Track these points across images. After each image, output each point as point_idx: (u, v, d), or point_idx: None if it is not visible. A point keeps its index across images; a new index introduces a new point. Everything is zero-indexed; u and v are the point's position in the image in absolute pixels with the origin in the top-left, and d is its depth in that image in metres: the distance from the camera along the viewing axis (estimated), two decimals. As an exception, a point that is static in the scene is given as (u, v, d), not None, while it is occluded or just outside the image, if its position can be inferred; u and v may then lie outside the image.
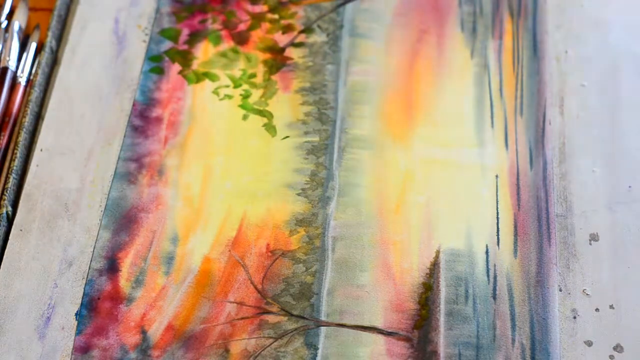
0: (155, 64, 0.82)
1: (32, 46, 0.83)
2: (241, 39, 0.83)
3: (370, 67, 0.81)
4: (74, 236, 0.73)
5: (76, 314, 0.70)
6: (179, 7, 0.85)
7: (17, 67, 0.82)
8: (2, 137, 0.78)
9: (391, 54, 0.82)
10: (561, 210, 0.73)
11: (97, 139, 0.78)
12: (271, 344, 0.68)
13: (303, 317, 0.69)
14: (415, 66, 0.81)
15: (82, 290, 0.71)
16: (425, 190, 0.75)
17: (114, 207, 0.74)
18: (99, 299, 0.70)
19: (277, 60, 0.82)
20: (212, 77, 0.81)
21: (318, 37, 0.83)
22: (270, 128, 0.78)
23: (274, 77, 0.81)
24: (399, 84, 0.80)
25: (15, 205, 0.75)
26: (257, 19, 0.84)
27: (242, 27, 0.84)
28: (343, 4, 0.85)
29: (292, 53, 0.82)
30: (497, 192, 0.74)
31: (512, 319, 0.68)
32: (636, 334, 0.68)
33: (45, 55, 0.82)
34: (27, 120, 0.78)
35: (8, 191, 0.75)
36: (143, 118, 0.79)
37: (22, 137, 0.77)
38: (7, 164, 0.77)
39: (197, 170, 0.76)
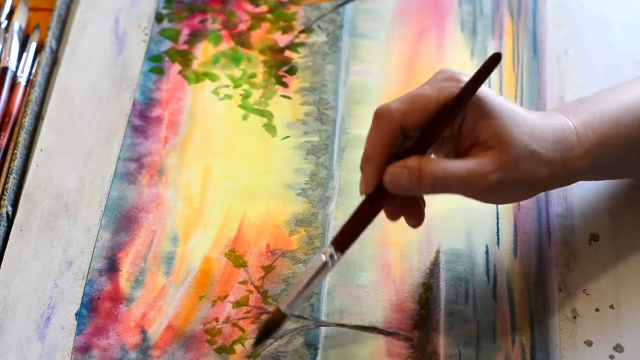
0: (155, 64, 0.82)
1: (32, 46, 0.83)
2: (241, 39, 0.83)
3: (370, 67, 0.81)
4: (74, 236, 0.73)
5: (76, 314, 0.70)
6: (180, 7, 0.85)
7: (17, 67, 0.82)
8: (2, 137, 0.78)
9: (391, 54, 0.82)
10: (561, 210, 0.73)
11: (97, 139, 0.78)
12: (271, 344, 0.68)
13: (303, 317, 0.69)
14: (415, 66, 0.81)
15: (82, 290, 0.71)
16: (425, 190, 0.74)
17: (114, 207, 0.74)
18: (99, 299, 0.70)
19: (277, 60, 0.82)
20: (212, 77, 0.81)
21: (318, 37, 0.83)
22: (270, 128, 0.78)
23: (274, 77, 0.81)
24: (399, 84, 0.80)
25: (15, 205, 0.75)
26: (257, 19, 0.84)
27: (242, 27, 0.84)
28: (343, 4, 0.85)
29: (292, 53, 0.82)
30: (497, 192, 0.74)
31: (512, 319, 0.68)
32: (636, 334, 0.68)
33: (45, 55, 0.82)
34: (27, 120, 0.78)
35: (8, 191, 0.75)
36: (143, 118, 0.79)
37: (22, 137, 0.77)
38: (7, 164, 0.77)
39: (197, 170, 0.76)
